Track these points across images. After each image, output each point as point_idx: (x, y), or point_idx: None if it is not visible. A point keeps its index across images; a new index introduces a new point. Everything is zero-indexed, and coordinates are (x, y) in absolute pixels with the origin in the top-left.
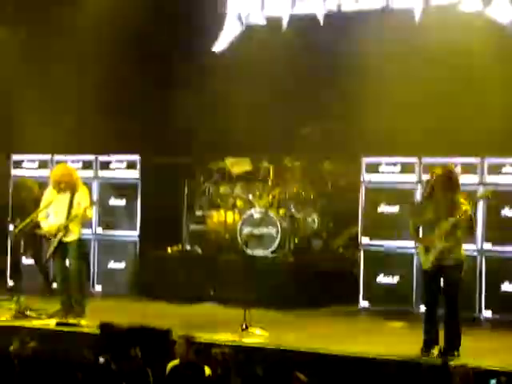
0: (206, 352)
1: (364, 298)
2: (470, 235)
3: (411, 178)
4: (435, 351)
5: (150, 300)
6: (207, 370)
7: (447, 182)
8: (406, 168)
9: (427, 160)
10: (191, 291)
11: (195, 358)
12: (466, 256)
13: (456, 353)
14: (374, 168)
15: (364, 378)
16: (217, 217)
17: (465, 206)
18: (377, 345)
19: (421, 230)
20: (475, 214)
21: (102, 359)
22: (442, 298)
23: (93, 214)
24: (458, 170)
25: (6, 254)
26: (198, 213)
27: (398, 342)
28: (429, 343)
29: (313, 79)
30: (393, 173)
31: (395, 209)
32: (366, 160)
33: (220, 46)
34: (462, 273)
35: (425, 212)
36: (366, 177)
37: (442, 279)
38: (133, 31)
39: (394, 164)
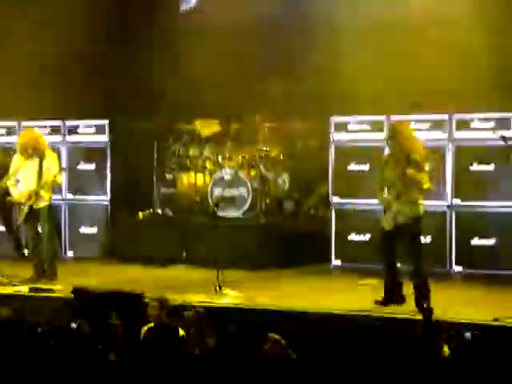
0: (179, 314)
1: (336, 257)
2: (427, 191)
3: (380, 136)
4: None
5: (122, 264)
6: (181, 332)
7: (402, 142)
8: (375, 126)
9: (396, 118)
10: (163, 254)
11: (168, 320)
12: (425, 211)
13: (425, 303)
14: (342, 127)
15: (338, 335)
16: (187, 179)
17: (420, 165)
18: (350, 302)
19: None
20: (440, 170)
21: (73, 324)
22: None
23: (62, 179)
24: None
25: None
26: (169, 175)
27: (370, 298)
28: (389, 300)
29: (281, 38)
30: (362, 131)
31: (365, 167)
32: (334, 119)
33: (185, 5)
34: (419, 228)
35: (385, 171)
36: (335, 136)
37: (401, 237)
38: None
39: (363, 123)
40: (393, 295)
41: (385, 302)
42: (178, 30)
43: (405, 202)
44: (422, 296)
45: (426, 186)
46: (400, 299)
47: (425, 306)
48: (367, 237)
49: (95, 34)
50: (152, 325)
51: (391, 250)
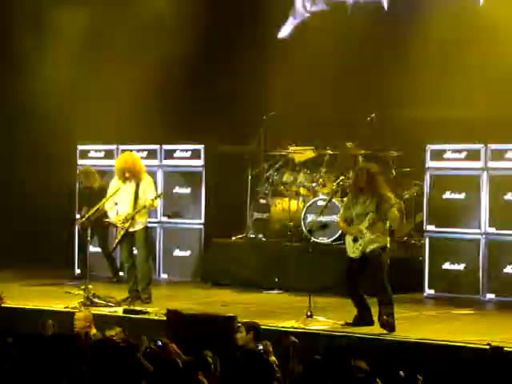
0: (270, 339)
1: (429, 286)
2: (399, 225)
3: (476, 164)
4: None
5: (214, 287)
6: (271, 358)
7: (371, 178)
8: (472, 155)
9: (493, 147)
10: (255, 279)
11: (257, 345)
12: (392, 243)
13: (387, 330)
14: (438, 155)
15: (429, 364)
16: (280, 205)
17: (391, 200)
18: (442, 331)
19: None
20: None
21: (159, 342)
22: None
23: (158, 204)
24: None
25: (74, 243)
26: (262, 201)
27: (463, 328)
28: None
29: (378, 66)
30: (458, 159)
31: (461, 196)
32: (430, 147)
33: (284, 32)
34: (385, 257)
35: (354, 205)
36: (431, 164)
37: (366, 265)
38: (196, 21)
39: (460, 151)
40: (362, 317)
41: (353, 323)
42: (276, 58)
43: (377, 234)
44: (385, 312)
45: (395, 224)
46: (370, 321)
47: (388, 320)
48: (462, 266)
49: (195, 60)
50: (240, 348)
51: (357, 277)
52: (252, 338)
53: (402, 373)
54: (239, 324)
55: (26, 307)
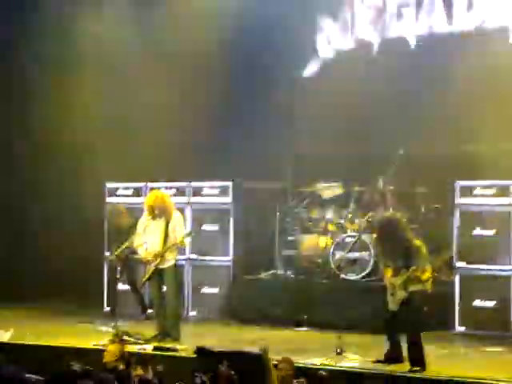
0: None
1: (460, 323)
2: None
3: (506, 200)
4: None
5: (243, 325)
6: None
7: (391, 231)
8: (501, 191)
9: None
10: (284, 316)
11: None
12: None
13: (417, 368)
14: (467, 191)
15: None
16: (309, 241)
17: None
18: (472, 369)
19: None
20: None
21: (198, 380)
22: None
23: (187, 241)
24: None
25: (103, 280)
26: (290, 237)
27: (494, 366)
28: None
29: (404, 103)
30: (487, 196)
31: (491, 232)
32: (459, 183)
33: (310, 70)
34: (420, 303)
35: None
36: (460, 200)
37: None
38: (223, 59)
39: (489, 187)
40: (393, 355)
41: (384, 360)
42: (302, 96)
43: (410, 287)
44: (414, 351)
45: (429, 287)
46: (400, 359)
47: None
48: (492, 303)
49: (222, 97)
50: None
51: (395, 326)
52: (292, 375)
53: None
54: (274, 362)
55: (55, 345)
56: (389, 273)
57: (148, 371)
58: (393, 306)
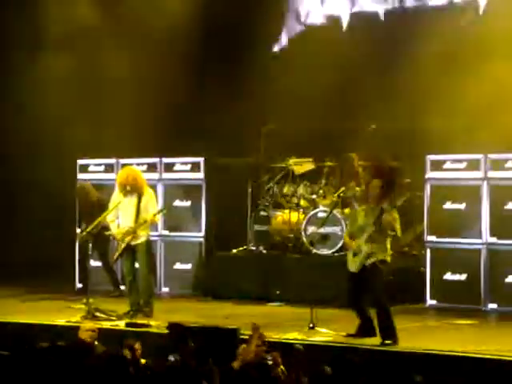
0: (274, 351)
1: (431, 297)
2: (397, 239)
3: (477, 174)
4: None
5: (215, 301)
6: (280, 367)
7: (372, 191)
8: (472, 165)
9: (493, 156)
10: (257, 291)
11: (264, 357)
12: (391, 256)
13: (389, 341)
14: (438, 165)
15: (431, 376)
16: (281, 217)
17: (390, 214)
18: (444, 342)
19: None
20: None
21: (172, 358)
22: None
23: (159, 218)
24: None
25: (74, 257)
26: (263, 213)
27: (467, 339)
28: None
29: (375, 78)
30: (457, 170)
31: (461, 206)
32: (430, 157)
33: (281, 45)
34: (383, 269)
35: (357, 217)
36: (431, 174)
37: (366, 278)
38: (193, 35)
39: (459, 161)
40: (364, 329)
41: (356, 334)
42: (273, 71)
43: (375, 247)
44: (384, 324)
45: (399, 233)
46: (372, 332)
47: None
48: (463, 276)
49: (192, 73)
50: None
51: (358, 289)
52: (263, 350)
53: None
54: (245, 336)
55: (29, 322)
56: (349, 237)
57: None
58: (355, 266)
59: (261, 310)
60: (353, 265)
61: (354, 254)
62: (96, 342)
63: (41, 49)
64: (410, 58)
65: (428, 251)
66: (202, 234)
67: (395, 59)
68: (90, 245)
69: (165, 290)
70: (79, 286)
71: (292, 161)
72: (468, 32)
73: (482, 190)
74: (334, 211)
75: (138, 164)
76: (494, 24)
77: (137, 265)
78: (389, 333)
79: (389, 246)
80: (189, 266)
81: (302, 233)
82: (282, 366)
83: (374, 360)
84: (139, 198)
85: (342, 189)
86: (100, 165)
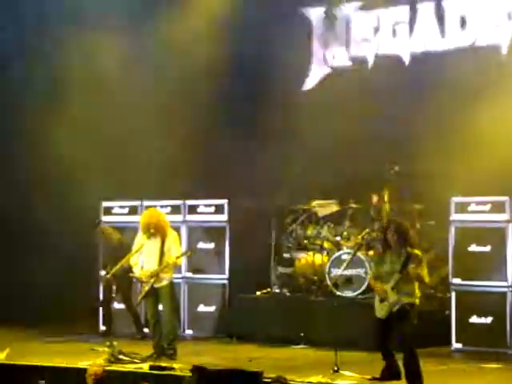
0: None
1: (457, 340)
2: (426, 285)
3: (501, 217)
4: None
5: (239, 343)
6: None
7: (399, 236)
8: (496, 207)
9: None
10: (281, 334)
11: None
12: (420, 301)
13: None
14: (463, 207)
15: None
16: (305, 259)
17: (418, 260)
18: None
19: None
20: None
21: None
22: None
23: (182, 261)
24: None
25: (98, 299)
26: (286, 255)
27: (491, 383)
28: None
29: (400, 119)
30: (482, 212)
31: (486, 248)
32: (454, 200)
33: (306, 86)
34: (413, 314)
35: (383, 262)
36: (455, 216)
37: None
38: (220, 78)
39: (484, 203)
40: (390, 372)
41: (381, 378)
42: (299, 113)
43: (402, 294)
44: (410, 368)
45: (427, 280)
46: (398, 376)
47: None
48: (489, 319)
49: (218, 115)
50: None
51: (386, 334)
52: None
53: None
54: (268, 380)
55: (49, 365)
56: (377, 281)
57: None
58: (382, 312)
59: (284, 352)
60: (380, 311)
61: (381, 300)
62: None
63: (67, 92)
64: (434, 98)
65: (453, 294)
66: (226, 276)
67: (420, 99)
68: (114, 287)
69: (188, 332)
70: (103, 328)
71: (315, 203)
72: (491, 72)
73: (508, 233)
74: (358, 253)
75: (161, 206)
76: None
77: (160, 307)
78: (415, 377)
79: (417, 289)
80: (212, 309)
81: (326, 275)
82: None
83: None
84: (163, 240)
85: (366, 231)
86: (124, 207)
